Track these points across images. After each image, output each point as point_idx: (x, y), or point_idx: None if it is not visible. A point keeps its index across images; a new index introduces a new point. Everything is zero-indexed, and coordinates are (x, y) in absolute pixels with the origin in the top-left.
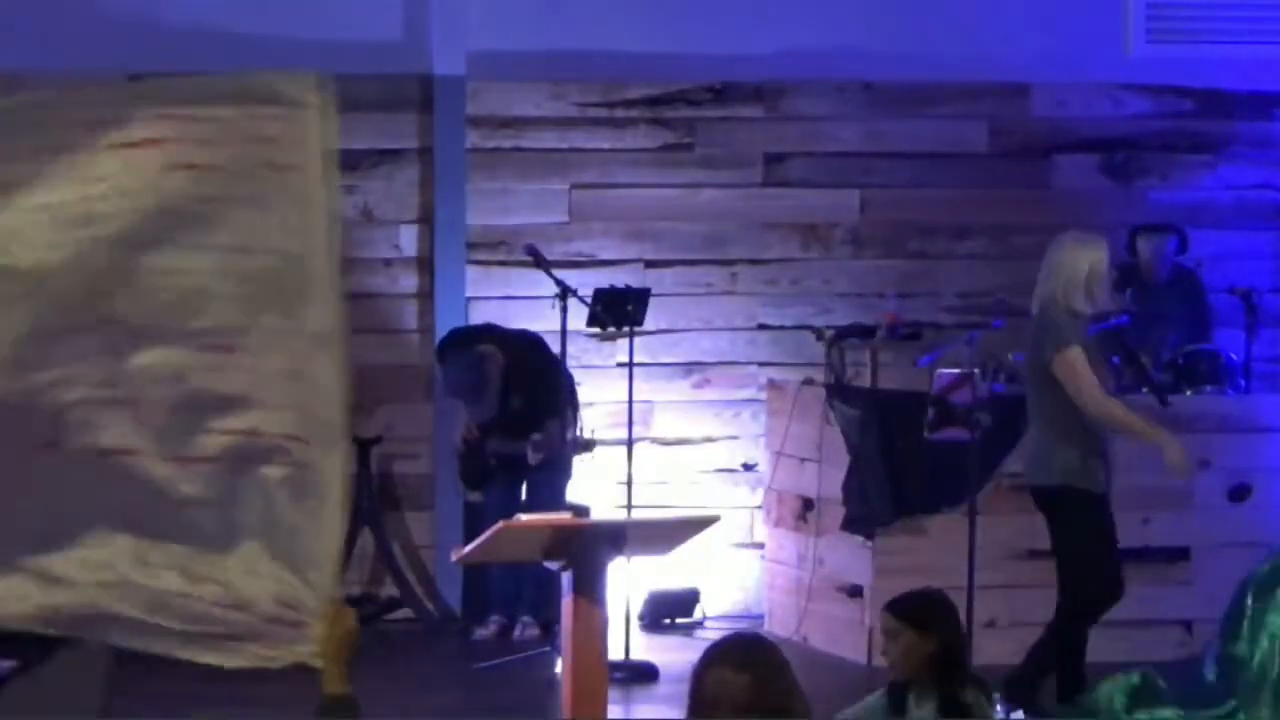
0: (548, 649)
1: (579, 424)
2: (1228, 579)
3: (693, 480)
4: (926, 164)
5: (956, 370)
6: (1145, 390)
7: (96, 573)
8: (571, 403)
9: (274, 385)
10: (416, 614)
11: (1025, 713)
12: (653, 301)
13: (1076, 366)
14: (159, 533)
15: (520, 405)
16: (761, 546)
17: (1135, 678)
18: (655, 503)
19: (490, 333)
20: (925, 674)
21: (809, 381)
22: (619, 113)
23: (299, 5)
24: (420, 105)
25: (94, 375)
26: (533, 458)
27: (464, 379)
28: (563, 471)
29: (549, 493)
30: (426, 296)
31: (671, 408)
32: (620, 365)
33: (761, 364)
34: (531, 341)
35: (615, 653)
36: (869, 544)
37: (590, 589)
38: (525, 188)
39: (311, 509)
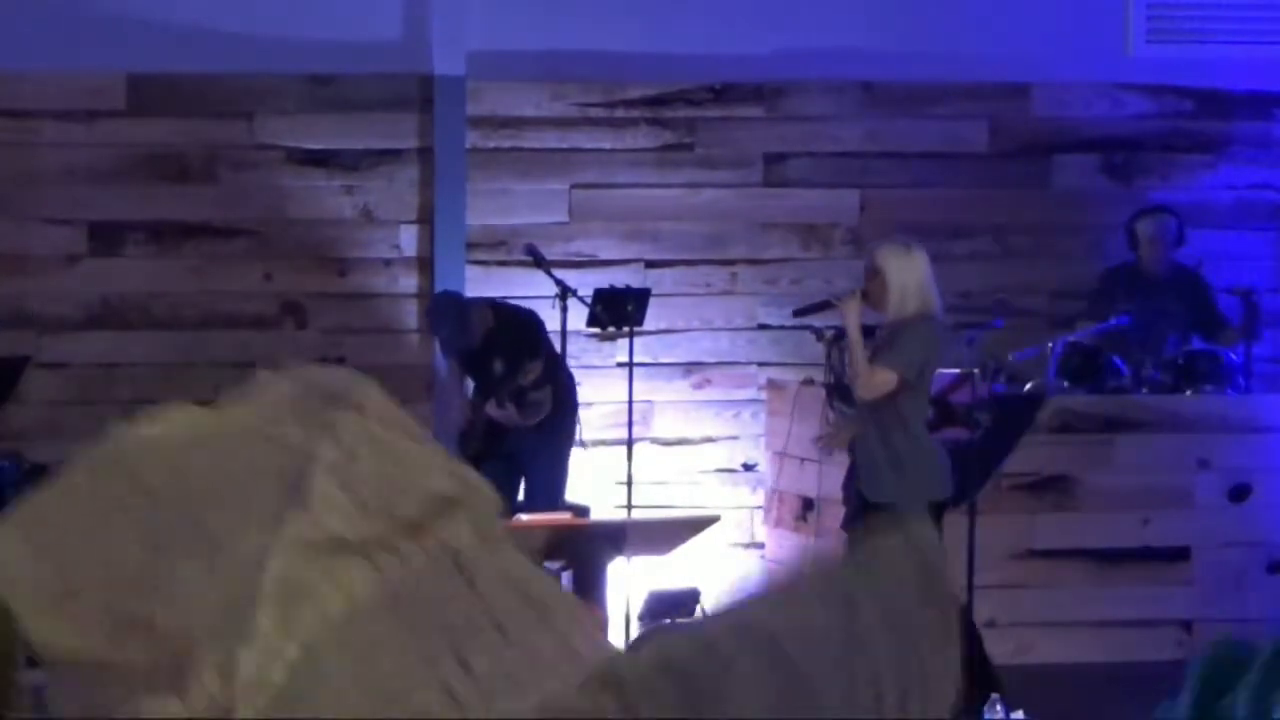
0: None
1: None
2: (1228, 579)
3: (693, 480)
4: (926, 164)
5: (956, 370)
6: (1145, 390)
7: None
8: (566, 378)
9: None
10: None
11: (1025, 712)
12: (653, 301)
13: None
14: None
15: (502, 370)
16: (761, 546)
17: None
18: (655, 503)
19: (488, 302)
20: None
21: (809, 381)
22: (619, 113)
23: (299, 5)
24: (420, 105)
25: None
26: (500, 415)
27: (448, 314)
28: (561, 471)
29: (548, 493)
30: (426, 296)
31: (671, 408)
32: (620, 365)
33: (761, 364)
34: (525, 316)
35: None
36: None
37: (590, 589)
38: (525, 188)
39: None
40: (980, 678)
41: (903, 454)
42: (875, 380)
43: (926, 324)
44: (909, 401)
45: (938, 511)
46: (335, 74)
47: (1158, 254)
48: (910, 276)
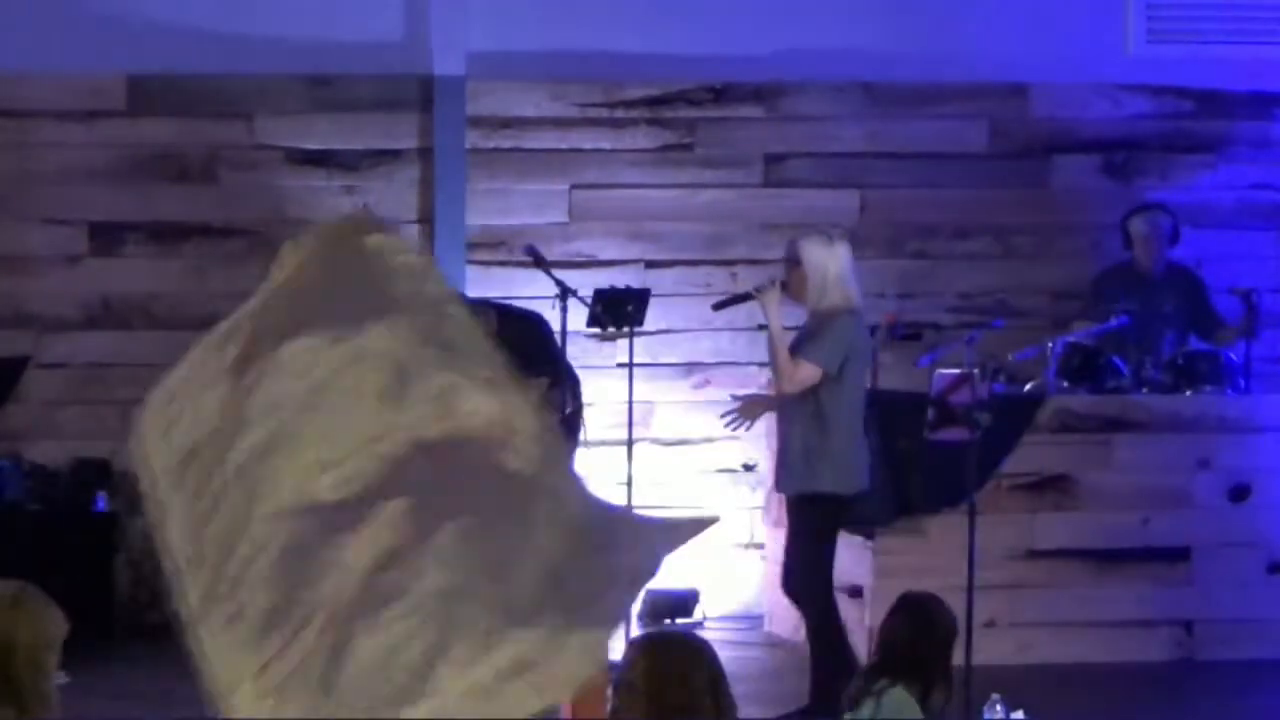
0: None
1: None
2: (1228, 579)
3: (693, 480)
4: (926, 164)
5: (956, 370)
6: (1145, 390)
7: None
8: (571, 379)
9: None
10: None
11: (1025, 713)
12: (653, 301)
13: None
14: None
15: None
16: (761, 547)
17: None
18: (655, 503)
19: (490, 303)
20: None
21: None
22: (619, 113)
23: (299, 5)
24: (420, 105)
25: None
26: None
27: (731, 298)
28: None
29: None
30: None
31: (671, 408)
32: (620, 365)
33: (761, 364)
34: (530, 319)
35: (615, 653)
36: (869, 544)
37: None
38: (525, 188)
39: None
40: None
41: (814, 448)
42: (799, 375)
43: (848, 318)
44: (829, 396)
45: (844, 505)
46: (335, 74)
47: (1151, 252)
48: (831, 268)
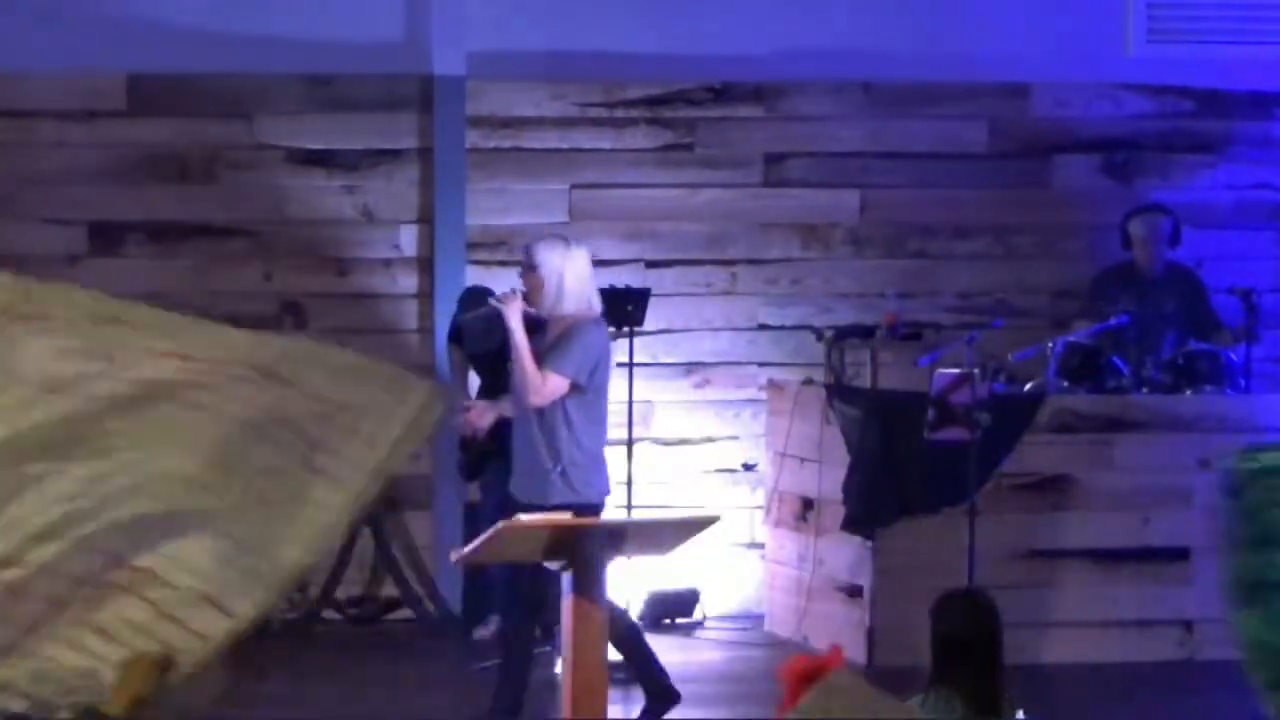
0: (548, 649)
1: None
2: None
3: (693, 480)
4: (926, 164)
5: (956, 370)
6: (1145, 390)
7: None
8: None
9: None
10: (416, 614)
11: (1025, 713)
12: (653, 301)
13: None
14: None
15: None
16: (761, 546)
17: None
18: (655, 503)
19: None
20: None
21: (809, 381)
22: (619, 113)
23: (299, 5)
24: (420, 105)
25: None
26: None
27: (479, 313)
28: None
29: None
30: (426, 296)
31: (672, 408)
32: (620, 365)
33: (761, 364)
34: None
35: (615, 653)
36: (869, 544)
37: (590, 589)
38: (525, 188)
39: None
40: (654, 689)
41: (562, 456)
42: (548, 388)
43: (592, 326)
44: (576, 405)
45: (588, 515)
46: (335, 74)
47: (1150, 253)
48: (567, 273)
